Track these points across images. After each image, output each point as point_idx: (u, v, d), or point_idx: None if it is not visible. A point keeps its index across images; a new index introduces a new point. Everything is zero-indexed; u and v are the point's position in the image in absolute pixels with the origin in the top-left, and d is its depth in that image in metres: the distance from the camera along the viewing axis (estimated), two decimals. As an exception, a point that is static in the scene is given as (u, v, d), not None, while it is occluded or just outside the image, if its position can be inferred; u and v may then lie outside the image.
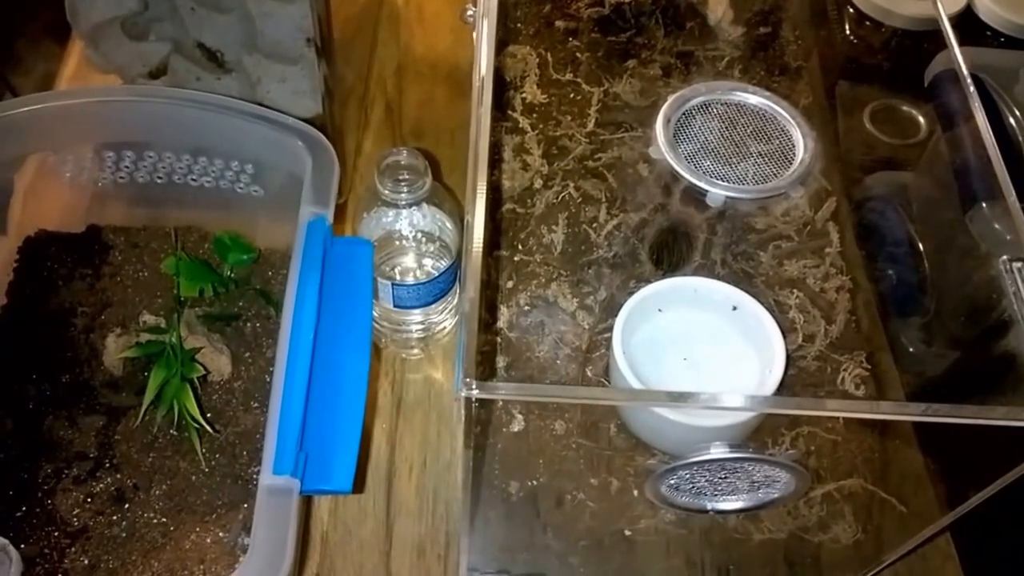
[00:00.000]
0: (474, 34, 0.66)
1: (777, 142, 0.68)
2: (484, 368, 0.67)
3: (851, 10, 0.94)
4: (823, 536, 0.65)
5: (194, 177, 0.75)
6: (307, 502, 0.73)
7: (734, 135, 0.67)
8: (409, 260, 0.78)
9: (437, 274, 0.75)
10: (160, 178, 0.76)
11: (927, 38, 0.89)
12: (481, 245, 0.47)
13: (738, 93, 0.70)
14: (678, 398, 0.46)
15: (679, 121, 0.69)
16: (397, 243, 0.75)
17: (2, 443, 0.66)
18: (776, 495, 0.54)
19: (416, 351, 0.85)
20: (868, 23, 0.93)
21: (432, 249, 0.77)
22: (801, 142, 0.67)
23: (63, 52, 0.96)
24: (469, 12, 0.68)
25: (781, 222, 0.79)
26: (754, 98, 0.69)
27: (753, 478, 0.53)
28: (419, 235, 0.76)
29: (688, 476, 0.53)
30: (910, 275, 0.79)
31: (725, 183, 0.65)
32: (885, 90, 0.91)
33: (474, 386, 0.42)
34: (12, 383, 0.69)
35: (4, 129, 0.67)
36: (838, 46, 0.97)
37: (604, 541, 0.66)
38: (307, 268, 0.61)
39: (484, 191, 0.48)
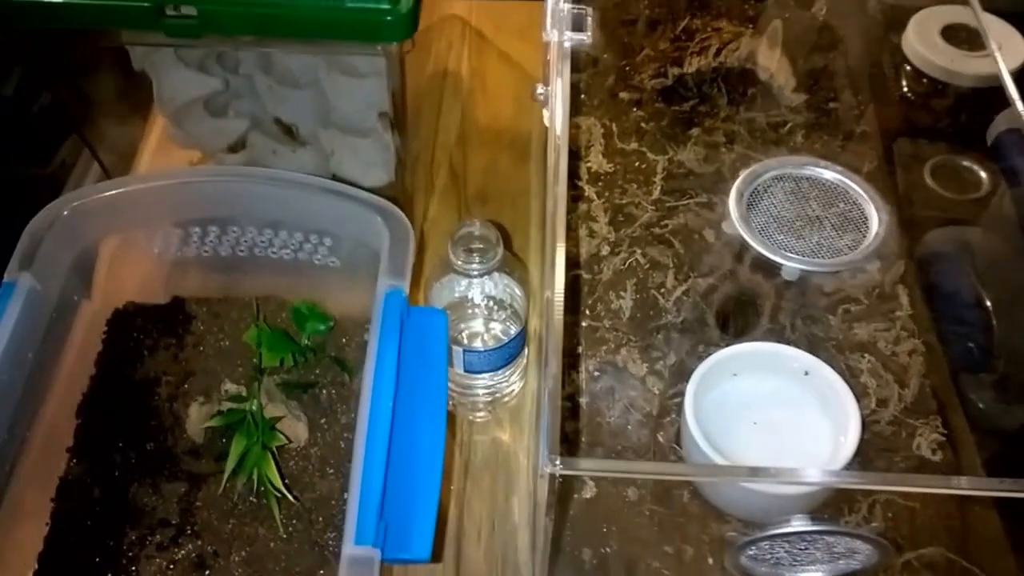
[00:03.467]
0: (544, 111, 0.68)
1: (851, 215, 0.69)
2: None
3: (909, 69, 0.95)
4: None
5: (274, 250, 0.78)
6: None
7: (807, 209, 0.68)
8: (478, 326, 0.79)
9: (507, 340, 0.76)
10: (241, 251, 0.78)
11: (987, 95, 0.88)
12: (562, 320, 0.48)
13: (809, 168, 0.70)
14: (758, 473, 0.46)
15: (751, 195, 0.70)
16: (468, 310, 0.77)
17: (89, 510, 0.68)
18: (857, 566, 0.54)
19: (483, 413, 0.85)
20: (926, 81, 0.93)
21: (501, 315, 0.78)
22: (875, 215, 0.68)
23: (145, 127, 1.00)
24: (540, 91, 0.70)
25: (849, 286, 0.79)
26: (826, 172, 0.70)
27: (834, 550, 0.53)
28: (489, 302, 0.77)
29: (768, 547, 0.53)
30: (978, 331, 0.78)
31: (799, 256, 0.66)
32: (946, 147, 0.91)
33: (559, 462, 0.43)
34: (100, 451, 0.71)
35: (95, 210, 0.71)
36: (898, 106, 0.97)
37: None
38: (385, 339, 0.63)
39: (563, 271, 0.50)
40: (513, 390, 0.86)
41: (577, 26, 0.64)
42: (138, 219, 0.74)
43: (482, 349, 0.77)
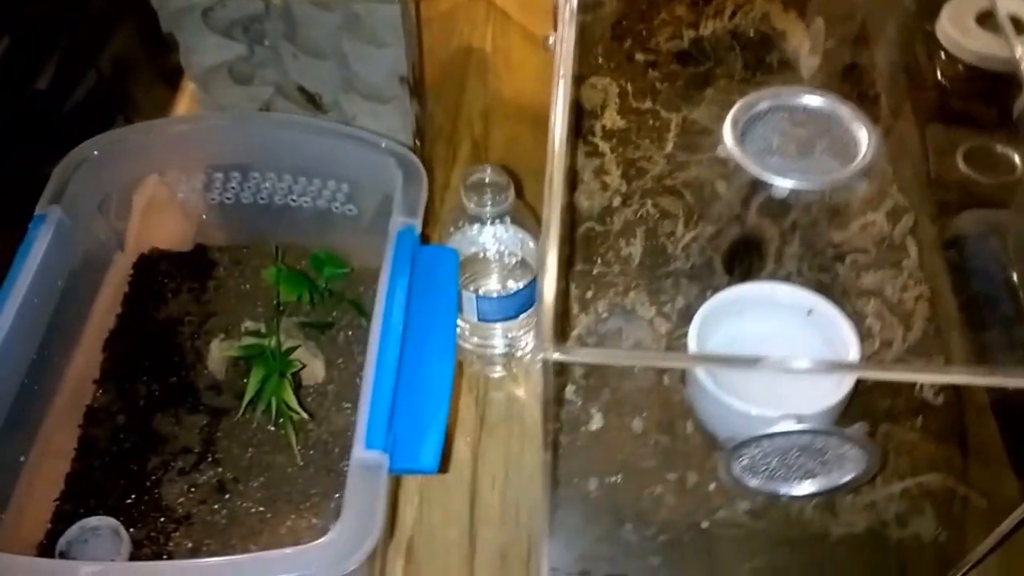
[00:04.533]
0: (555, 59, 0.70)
1: (840, 138, 0.70)
2: (559, 367, 0.69)
3: (943, 55, 0.94)
4: (903, 532, 0.65)
5: (294, 197, 0.81)
6: (393, 510, 0.76)
7: (799, 134, 0.69)
8: (492, 280, 0.81)
9: (521, 286, 0.78)
10: (263, 199, 0.81)
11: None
12: (560, 189, 0.49)
13: (804, 96, 0.72)
14: (752, 363, 0.47)
15: (746, 124, 0.71)
16: (481, 260, 0.79)
17: (115, 437, 0.71)
18: (849, 476, 0.55)
19: (499, 369, 0.87)
20: (961, 68, 0.93)
21: (514, 268, 0.80)
22: (865, 138, 0.69)
23: (175, 96, 1.03)
24: (551, 39, 0.72)
25: (858, 236, 0.80)
26: (818, 99, 0.72)
27: (825, 458, 0.54)
28: (502, 252, 0.79)
29: (760, 455, 0.55)
30: (1007, 313, 0.79)
31: (790, 176, 0.67)
32: (979, 132, 0.91)
33: (553, 349, 0.45)
34: (124, 383, 0.74)
35: (123, 151, 0.74)
36: (922, 84, 0.98)
37: (683, 535, 0.67)
38: (396, 272, 0.66)
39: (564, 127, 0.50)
40: (527, 345, 0.87)
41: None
42: (164, 162, 0.77)
43: (495, 295, 0.79)
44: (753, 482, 0.56)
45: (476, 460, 0.82)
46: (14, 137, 0.81)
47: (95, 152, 0.72)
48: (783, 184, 0.66)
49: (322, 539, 0.51)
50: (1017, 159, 0.86)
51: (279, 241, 0.84)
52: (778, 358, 0.47)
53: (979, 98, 0.92)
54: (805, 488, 0.57)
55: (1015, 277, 0.79)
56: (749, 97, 0.72)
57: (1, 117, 0.80)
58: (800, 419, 0.52)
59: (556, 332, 0.46)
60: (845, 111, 0.70)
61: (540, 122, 1.09)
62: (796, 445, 0.54)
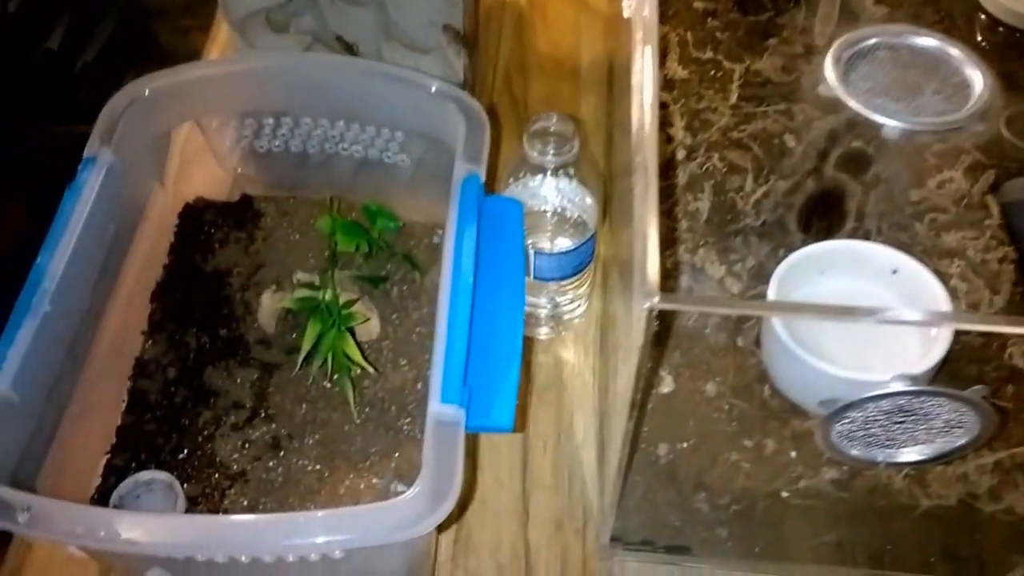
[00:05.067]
0: (623, 3, 0.66)
1: (951, 80, 0.66)
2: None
3: (983, 16, 0.90)
4: (995, 506, 0.62)
5: (344, 146, 0.77)
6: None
7: (906, 74, 0.65)
8: (548, 236, 0.78)
9: (580, 242, 0.75)
10: (313, 147, 0.78)
11: None
12: (655, 124, 0.46)
13: (909, 36, 0.68)
14: (863, 313, 0.44)
15: (849, 60, 0.67)
16: (539, 214, 0.75)
17: (166, 390, 0.68)
18: (959, 442, 0.52)
19: (546, 331, 0.84)
20: (1002, 29, 0.88)
21: (572, 224, 0.76)
22: (979, 79, 0.65)
23: (207, 47, 0.99)
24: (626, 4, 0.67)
25: (937, 194, 0.77)
26: (927, 40, 0.67)
27: (932, 423, 0.51)
28: (562, 207, 0.76)
29: (862, 420, 0.51)
30: None
31: (899, 117, 0.63)
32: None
33: (660, 297, 0.41)
34: (174, 335, 0.71)
35: (172, 92, 0.70)
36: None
37: (757, 506, 0.64)
38: (463, 221, 0.62)
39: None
40: (577, 307, 0.84)
41: None
42: (214, 105, 0.73)
43: (553, 252, 0.75)
44: (853, 450, 0.53)
45: (526, 426, 0.79)
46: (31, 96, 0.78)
47: (146, 92, 0.68)
48: (893, 125, 0.62)
49: (403, 496, 0.48)
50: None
51: (325, 193, 0.80)
52: (892, 309, 0.43)
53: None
54: (910, 455, 0.53)
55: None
56: (851, 35, 0.68)
57: (17, 76, 0.77)
58: (913, 380, 0.48)
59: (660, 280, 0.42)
60: (954, 50, 0.66)
61: (578, 76, 1.07)
62: (901, 409, 0.51)
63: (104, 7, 0.93)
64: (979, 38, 0.90)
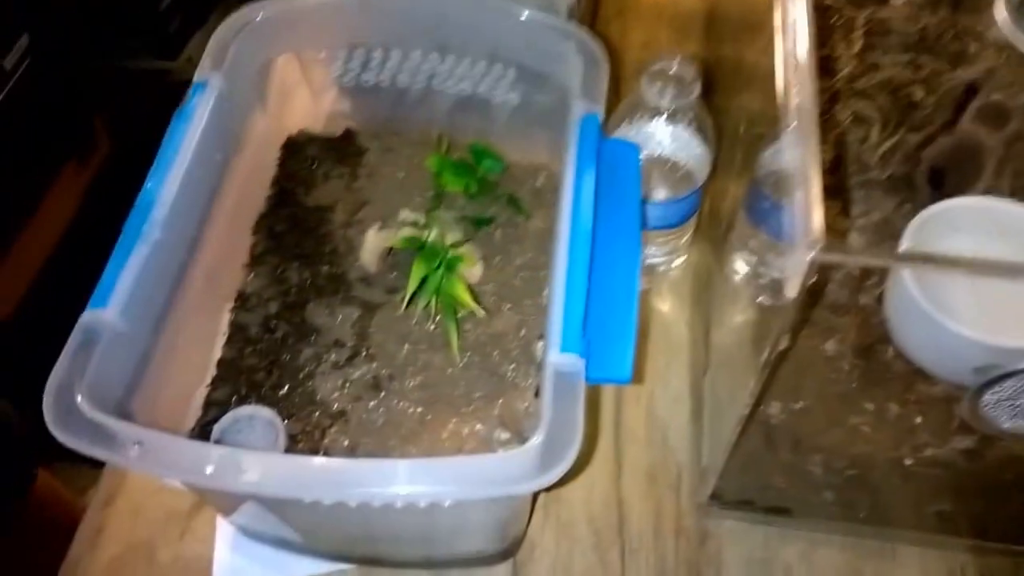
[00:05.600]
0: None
1: None
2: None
3: None
4: None
5: (453, 82, 0.74)
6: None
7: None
8: (657, 183, 0.75)
9: (689, 191, 0.72)
10: (416, 83, 0.75)
11: None
12: (814, 60, 0.42)
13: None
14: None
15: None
16: (650, 158, 0.72)
17: (267, 324, 0.67)
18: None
19: (643, 282, 0.82)
20: None
21: (682, 172, 0.73)
22: None
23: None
24: None
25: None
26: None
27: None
28: (675, 152, 0.72)
29: (1013, 391, 0.48)
30: None
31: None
32: None
33: (821, 247, 0.38)
34: (275, 270, 0.70)
35: (283, 19, 0.68)
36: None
37: (875, 471, 0.61)
38: (582, 163, 0.59)
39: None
40: (674, 261, 0.82)
41: None
42: (319, 35, 0.71)
43: (661, 199, 0.72)
44: (1000, 421, 0.49)
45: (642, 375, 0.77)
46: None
47: (252, 20, 0.66)
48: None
49: (526, 446, 0.46)
50: None
51: (428, 131, 0.78)
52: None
53: None
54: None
55: None
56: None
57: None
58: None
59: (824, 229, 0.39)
60: None
61: (677, 23, 1.03)
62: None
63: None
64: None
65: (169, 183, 0.57)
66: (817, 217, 0.38)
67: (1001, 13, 0.59)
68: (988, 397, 0.48)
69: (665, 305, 0.82)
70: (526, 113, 0.75)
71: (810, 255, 0.38)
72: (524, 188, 0.76)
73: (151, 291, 0.57)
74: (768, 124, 0.57)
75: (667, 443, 0.74)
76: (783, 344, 0.44)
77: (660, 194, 0.73)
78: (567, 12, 0.80)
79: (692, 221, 0.78)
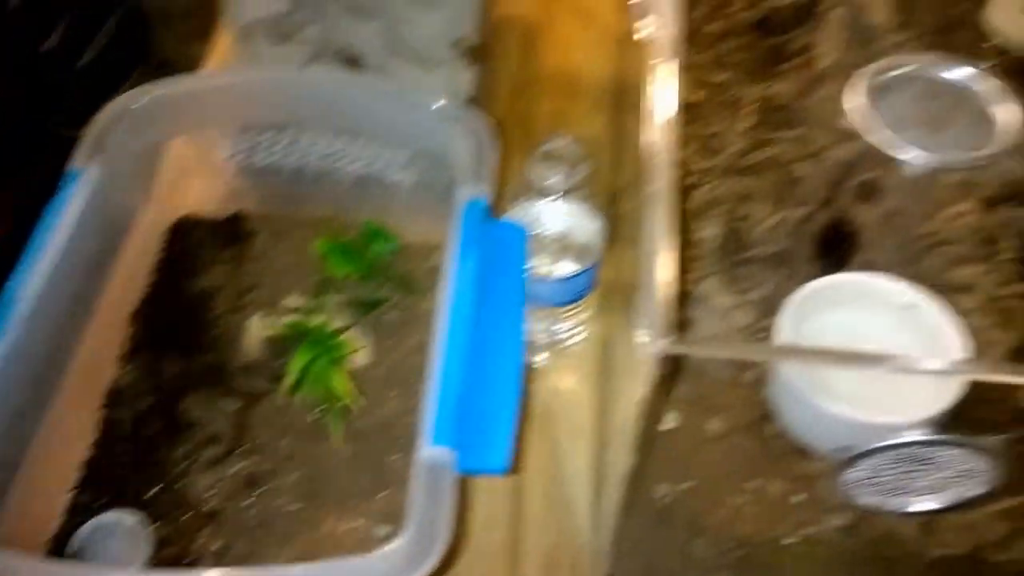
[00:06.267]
0: (638, 22, 0.63)
1: (979, 113, 0.63)
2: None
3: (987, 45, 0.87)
4: (1008, 555, 0.59)
5: (345, 163, 0.74)
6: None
7: (931, 107, 0.62)
8: (550, 261, 0.75)
9: (584, 268, 0.72)
10: (311, 163, 0.75)
11: None
12: (672, 150, 0.43)
13: (934, 67, 0.65)
14: (877, 360, 0.41)
15: (872, 91, 0.64)
16: (541, 239, 0.72)
17: (139, 420, 0.65)
18: (974, 492, 0.49)
19: (543, 357, 0.81)
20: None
21: (576, 249, 0.74)
22: (1006, 114, 0.62)
23: (206, 53, 0.97)
24: (642, 26, 0.65)
25: (953, 226, 0.74)
26: (954, 71, 0.64)
27: (946, 472, 0.48)
28: (565, 232, 0.73)
29: (874, 469, 0.48)
30: None
31: (923, 151, 0.60)
32: None
33: (666, 342, 0.38)
34: (152, 361, 0.68)
35: (165, 105, 0.67)
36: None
37: (760, 552, 0.61)
38: (466, 246, 0.59)
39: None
40: (574, 335, 0.81)
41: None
42: (208, 118, 0.71)
43: (552, 278, 0.72)
44: (866, 498, 0.50)
45: (521, 457, 0.76)
46: (28, 96, 0.75)
47: (134, 105, 0.65)
48: (913, 158, 0.59)
49: (385, 548, 0.44)
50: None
51: (324, 212, 0.77)
52: (909, 356, 0.40)
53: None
54: (924, 504, 0.50)
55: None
56: (875, 64, 0.65)
57: (15, 75, 0.74)
58: (928, 426, 0.45)
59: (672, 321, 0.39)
60: (983, 85, 0.63)
61: (587, 95, 1.04)
62: (915, 458, 0.48)
63: (103, 10, 0.90)
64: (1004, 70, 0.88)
65: (34, 279, 0.56)
66: (662, 311, 0.38)
67: (852, 100, 0.61)
68: (849, 475, 0.48)
69: (568, 382, 0.81)
70: (421, 193, 0.75)
71: (656, 348, 0.38)
72: (419, 268, 0.75)
73: (10, 391, 0.54)
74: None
75: (567, 527, 0.72)
76: (646, 431, 0.43)
77: (559, 270, 0.73)
78: (467, 92, 0.81)
79: (593, 294, 0.78)
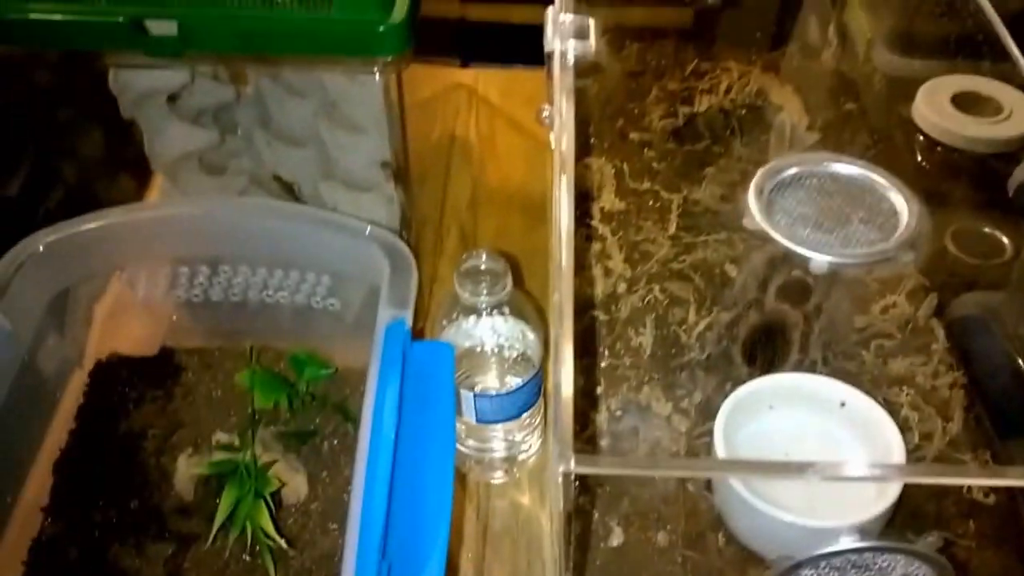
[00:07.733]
0: (551, 134, 0.64)
1: (878, 207, 0.64)
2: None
3: (921, 138, 0.90)
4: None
5: (270, 292, 0.74)
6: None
7: (831, 203, 0.63)
8: (491, 376, 0.74)
9: (522, 383, 0.71)
10: (235, 295, 0.74)
11: (1004, 160, 0.84)
12: (571, 294, 0.43)
13: (831, 164, 0.66)
14: (797, 470, 0.40)
15: (772, 191, 0.65)
16: (478, 355, 0.72)
17: (65, 574, 0.62)
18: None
19: (500, 474, 0.80)
20: (940, 149, 0.89)
21: (514, 362, 0.73)
22: (904, 206, 0.63)
23: (145, 191, 0.97)
24: (544, 112, 0.66)
25: (881, 320, 0.75)
26: (850, 167, 0.66)
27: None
28: (500, 346, 0.72)
29: (818, 574, 0.47)
30: (1013, 395, 0.73)
31: (827, 250, 0.60)
32: (965, 214, 0.87)
33: (573, 460, 0.37)
34: (78, 511, 0.65)
35: (73, 247, 0.66)
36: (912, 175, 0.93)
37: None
38: (386, 371, 0.58)
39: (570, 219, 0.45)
40: (531, 447, 0.80)
41: (580, 34, 0.61)
42: (123, 257, 0.70)
43: (494, 394, 0.71)
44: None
45: (481, 579, 0.74)
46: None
47: (40, 248, 0.64)
48: (821, 259, 0.59)
49: None
50: (1005, 239, 0.82)
51: (254, 342, 0.76)
52: (831, 463, 0.40)
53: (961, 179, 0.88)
54: (869, 613, 0.49)
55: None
56: (773, 164, 0.66)
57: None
58: (866, 530, 0.45)
59: (575, 439, 0.38)
60: (878, 177, 0.64)
61: (529, 209, 1.05)
62: (855, 564, 0.47)
63: (20, 151, 0.90)
64: (919, 159, 0.90)
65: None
66: (566, 429, 0.38)
67: (755, 202, 0.62)
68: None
69: (525, 497, 0.80)
70: (348, 318, 0.74)
71: (562, 467, 0.37)
72: (357, 393, 0.74)
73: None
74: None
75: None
76: (568, 552, 0.42)
77: (496, 386, 0.72)
78: (400, 212, 0.81)
79: (539, 405, 0.77)
